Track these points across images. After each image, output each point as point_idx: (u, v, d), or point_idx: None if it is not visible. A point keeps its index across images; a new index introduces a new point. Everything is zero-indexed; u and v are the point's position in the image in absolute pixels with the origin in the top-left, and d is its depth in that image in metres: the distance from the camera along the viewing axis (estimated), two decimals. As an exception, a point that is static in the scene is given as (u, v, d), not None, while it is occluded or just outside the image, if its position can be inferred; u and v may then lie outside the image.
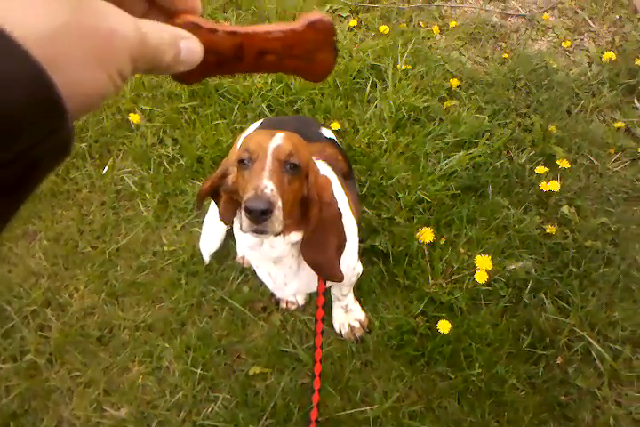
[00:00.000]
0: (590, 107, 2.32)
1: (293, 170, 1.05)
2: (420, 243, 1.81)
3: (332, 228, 1.15)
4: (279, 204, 0.98)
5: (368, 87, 2.45)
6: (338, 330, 1.69)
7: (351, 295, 1.67)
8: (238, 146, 1.83)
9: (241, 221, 1.01)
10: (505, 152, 2.09)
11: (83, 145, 2.33)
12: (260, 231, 1.00)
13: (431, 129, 2.24)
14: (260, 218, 0.96)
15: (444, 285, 1.71)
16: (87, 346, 1.75)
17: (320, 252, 1.15)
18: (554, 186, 1.88)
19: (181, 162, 2.26)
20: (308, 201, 1.13)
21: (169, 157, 2.30)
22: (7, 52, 0.29)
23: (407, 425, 1.46)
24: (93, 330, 1.79)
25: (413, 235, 1.85)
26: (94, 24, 0.34)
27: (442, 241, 1.84)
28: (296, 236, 1.16)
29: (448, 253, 1.80)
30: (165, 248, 2.00)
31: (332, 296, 1.67)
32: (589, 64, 2.63)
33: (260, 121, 1.82)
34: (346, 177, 1.48)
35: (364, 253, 1.86)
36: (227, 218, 1.21)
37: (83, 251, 2.02)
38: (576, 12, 2.99)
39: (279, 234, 1.04)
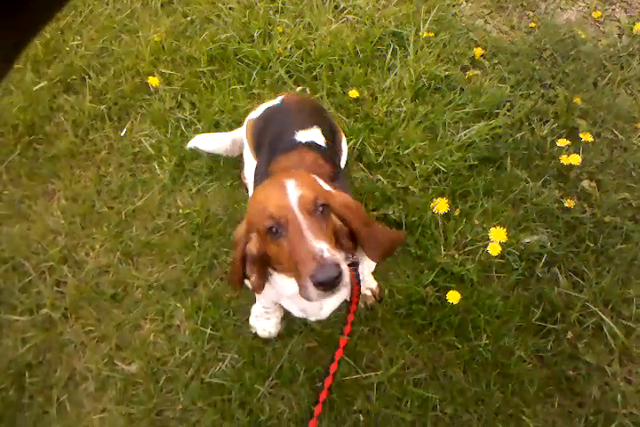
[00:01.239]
0: (618, 79, 2.17)
1: (324, 211, 0.97)
2: (434, 213, 1.74)
3: (370, 221, 1.09)
4: (341, 258, 0.90)
5: (389, 55, 2.32)
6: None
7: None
8: (244, 130, 1.70)
9: (307, 294, 0.92)
10: (526, 124, 1.98)
11: (102, 107, 2.27)
12: (335, 291, 0.91)
13: (451, 98, 2.12)
14: (334, 283, 0.88)
15: (457, 256, 1.64)
16: (101, 303, 1.73)
17: (380, 244, 1.08)
18: (575, 159, 1.78)
19: (198, 126, 2.19)
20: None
21: (186, 120, 2.23)
22: None
23: (411, 392, 1.42)
24: (108, 288, 1.77)
25: (428, 205, 1.77)
26: None
27: (457, 212, 1.76)
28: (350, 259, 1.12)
29: (462, 225, 1.72)
30: (180, 211, 1.96)
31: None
32: (619, 35, 2.46)
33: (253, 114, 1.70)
34: (333, 179, 1.33)
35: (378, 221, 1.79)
36: (261, 287, 1.12)
37: (99, 211, 1.98)
38: (609, -19, 2.78)
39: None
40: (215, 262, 1.80)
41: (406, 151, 1.98)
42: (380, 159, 1.98)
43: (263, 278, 1.10)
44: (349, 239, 1.07)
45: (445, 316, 1.52)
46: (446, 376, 1.43)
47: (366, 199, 1.85)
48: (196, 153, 2.10)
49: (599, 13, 2.56)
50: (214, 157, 2.06)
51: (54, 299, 1.75)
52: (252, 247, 1.04)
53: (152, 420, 1.53)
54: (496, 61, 2.27)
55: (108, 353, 1.64)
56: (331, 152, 1.46)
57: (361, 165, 1.99)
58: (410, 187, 1.86)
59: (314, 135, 1.45)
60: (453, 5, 2.62)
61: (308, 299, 0.92)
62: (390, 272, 1.67)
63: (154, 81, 2.33)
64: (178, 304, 1.71)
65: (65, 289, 1.77)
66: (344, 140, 1.73)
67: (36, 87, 2.35)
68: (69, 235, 1.92)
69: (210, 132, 2.14)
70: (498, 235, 1.61)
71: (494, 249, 1.58)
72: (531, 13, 2.60)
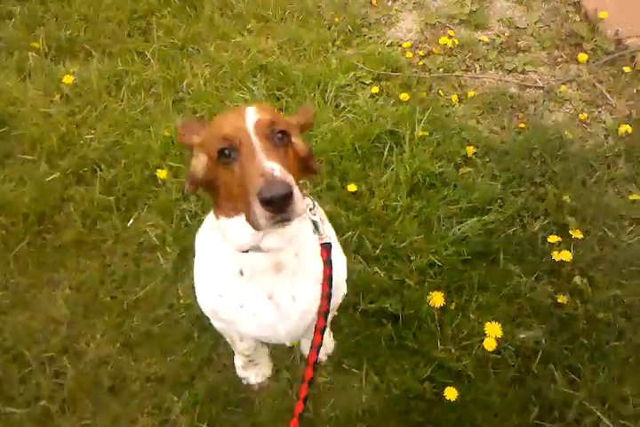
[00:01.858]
0: (605, 178, 2.42)
1: (282, 139, 0.98)
2: (430, 307, 1.88)
3: None
4: (293, 181, 0.87)
5: (386, 151, 2.60)
6: None
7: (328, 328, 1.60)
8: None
9: (255, 219, 0.88)
10: (518, 220, 2.19)
11: (111, 198, 2.50)
12: (285, 220, 0.88)
13: (445, 194, 2.35)
14: (283, 204, 0.85)
15: (453, 350, 1.76)
16: (99, 395, 1.82)
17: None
18: (566, 256, 1.95)
19: (202, 217, 2.40)
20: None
21: (191, 212, 2.45)
22: None
23: None
24: (106, 379, 1.86)
25: (424, 298, 1.92)
26: None
27: (452, 306, 1.90)
28: (305, 202, 1.06)
29: (458, 319, 1.86)
30: (181, 301, 2.11)
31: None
32: (605, 136, 2.76)
33: None
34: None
35: (374, 315, 1.93)
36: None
37: (102, 300, 2.13)
38: (594, 86, 3.15)
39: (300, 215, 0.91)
40: (214, 355, 1.91)
41: (402, 244, 2.17)
42: (377, 252, 2.16)
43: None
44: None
45: (443, 413, 1.61)
46: None
47: (363, 292, 2.01)
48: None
49: (585, 115, 2.89)
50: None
51: (53, 390, 1.84)
52: (198, 166, 1.04)
53: None
54: (487, 159, 2.54)
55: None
56: None
57: (359, 257, 2.17)
58: (406, 280, 2.02)
59: None
60: (447, 106, 2.96)
61: (258, 227, 0.89)
62: (387, 365, 1.78)
63: (162, 174, 2.58)
64: (175, 398, 1.80)
65: (64, 380, 1.87)
66: None
67: (49, 178, 2.61)
68: (71, 325, 2.05)
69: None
70: (493, 330, 1.74)
71: (490, 344, 1.70)
72: (520, 114, 2.94)
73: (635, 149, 2.58)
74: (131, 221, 2.44)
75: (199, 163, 1.04)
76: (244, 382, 1.58)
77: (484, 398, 1.62)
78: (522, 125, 2.80)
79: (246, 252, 1.09)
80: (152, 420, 1.76)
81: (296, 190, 0.87)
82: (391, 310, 1.91)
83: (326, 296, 1.16)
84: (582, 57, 3.20)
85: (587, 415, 1.58)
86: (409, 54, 3.28)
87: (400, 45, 3.38)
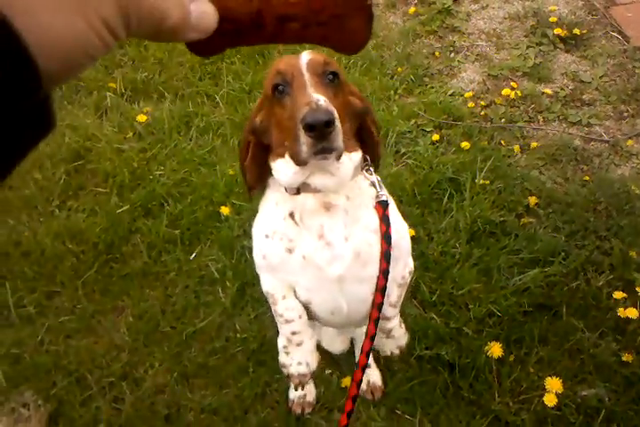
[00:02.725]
0: (674, 235, 2.41)
1: (334, 80, 1.05)
2: (487, 357, 1.91)
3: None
4: (336, 114, 0.95)
5: (445, 198, 2.69)
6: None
7: (398, 315, 1.50)
8: None
9: (298, 149, 0.97)
10: (582, 273, 2.20)
11: (176, 231, 2.68)
12: (326, 150, 0.96)
13: (506, 244, 2.40)
14: (325, 132, 0.93)
15: (511, 404, 1.77)
16: (155, 423, 1.92)
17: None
18: (632, 313, 1.95)
19: (261, 254, 2.54)
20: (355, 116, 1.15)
21: (250, 247, 2.58)
22: None
23: None
24: (162, 408, 1.96)
25: (481, 348, 1.95)
26: None
27: (511, 358, 1.92)
28: (357, 155, 1.15)
29: (517, 372, 1.87)
30: (238, 335, 2.21)
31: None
32: (675, 193, 2.76)
33: None
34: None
35: (430, 362, 1.97)
36: (254, 179, 1.22)
37: (162, 330, 2.26)
38: (662, 141, 3.17)
39: (342, 155, 1.01)
40: (267, 390, 1.99)
41: (460, 292, 2.22)
42: (434, 298, 2.21)
43: (258, 170, 1.18)
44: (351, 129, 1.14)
45: (499, 467, 1.61)
46: None
47: (419, 337, 2.05)
48: (257, 279, 2.41)
49: (653, 170, 2.90)
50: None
51: (111, 415, 1.96)
52: (258, 118, 1.14)
53: None
54: (550, 211, 2.58)
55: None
56: None
57: (415, 302, 2.23)
58: (463, 328, 2.06)
59: None
60: (509, 156, 3.04)
61: (300, 158, 0.97)
62: (442, 415, 1.80)
63: (225, 210, 2.75)
64: (227, 431, 1.88)
65: (122, 406, 1.98)
66: None
67: (120, 210, 2.83)
68: (132, 352, 2.18)
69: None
70: (554, 385, 1.75)
71: (550, 400, 1.70)
72: (585, 167, 2.98)
73: None
74: (193, 255, 2.60)
75: (260, 114, 1.15)
76: (284, 371, 1.41)
77: (543, 455, 1.62)
78: (586, 178, 2.84)
79: (298, 194, 1.15)
80: (204, 452, 1.83)
81: (338, 122, 0.94)
82: (447, 357, 1.94)
83: (384, 256, 1.17)
84: (650, 112, 3.24)
85: (654, 482, 1.54)
86: (471, 104, 3.40)
87: (462, 95, 3.51)
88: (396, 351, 1.54)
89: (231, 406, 1.95)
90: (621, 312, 1.97)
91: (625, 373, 1.82)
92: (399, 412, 1.84)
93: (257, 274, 1.43)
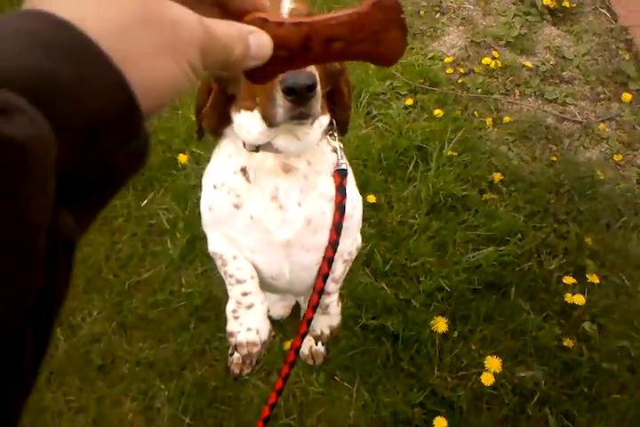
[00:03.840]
0: (632, 225, 2.41)
1: None
2: (432, 331, 1.88)
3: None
4: (318, 77, 0.85)
5: (411, 167, 2.60)
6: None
7: (337, 292, 1.38)
8: None
9: (273, 111, 0.88)
10: (535, 255, 2.18)
11: (130, 175, 2.52)
12: (304, 116, 0.89)
13: (465, 218, 2.35)
14: (306, 96, 0.84)
15: (449, 379, 1.76)
16: (87, 372, 1.84)
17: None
18: (579, 300, 1.95)
19: (218, 208, 2.42)
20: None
21: (206, 200, 2.46)
22: (84, 53, 0.31)
23: None
24: (97, 357, 1.88)
25: (427, 322, 1.92)
26: (160, 13, 0.35)
27: (454, 334, 1.90)
28: (325, 119, 1.08)
29: (459, 348, 1.86)
30: (183, 289, 2.12)
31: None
32: (638, 181, 2.75)
33: None
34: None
35: (374, 331, 1.94)
36: (211, 127, 1.11)
37: (105, 277, 2.15)
38: (634, 128, 3.14)
39: (317, 120, 0.95)
40: (207, 348, 1.92)
41: (413, 264, 2.17)
42: (387, 268, 2.16)
43: (217, 118, 1.07)
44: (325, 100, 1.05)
45: (429, 442, 1.61)
46: None
47: (367, 306, 2.01)
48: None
49: (621, 157, 2.88)
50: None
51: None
52: None
53: None
54: (513, 189, 2.53)
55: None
56: None
57: (367, 270, 2.18)
58: (412, 300, 2.03)
59: None
60: (480, 128, 2.95)
61: (274, 120, 0.90)
62: (379, 385, 1.78)
63: (183, 158, 2.60)
64: (162, 386, 1.82)
65: (55, 353, 1.89)
66: None
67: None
68: (71, 297, 2.06)
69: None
70: (493, 364, 1.75)
71: (487, 379, 1.70)
72: (554, 147, 2.93)
73: (666, 199, 2.56)
74: (145, 202, 2.46)
75: None
76: (232, 341, 1.24)
77: (474, 432, 1.63)
78: (554, 158, 2.79)
79: (256, 151, 1.07)
80: (136, 405, 1.78)
81: (319, 87, 0.85)
82: (392, 329, 1.91)
83: (336, 227, 1.11)
84: (626, 96, 3.19)
85: (574, 465, 1.58)
86: (449, 70, 3.28)
87: (442, 60, 3.37)
88: (327, 331, 1.44)
89: (168, 361, 1.89)
90: (569, 298, 1.97)
91: (564, 358, 1.83)
92: (338, 379, 1.81)
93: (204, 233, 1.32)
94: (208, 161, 2.62)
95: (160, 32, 0.35)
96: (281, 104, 0.86)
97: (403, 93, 3.13)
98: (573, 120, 3.16)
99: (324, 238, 1.15)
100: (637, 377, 1.80)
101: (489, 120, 2.99)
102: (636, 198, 2.58)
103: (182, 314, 2.03)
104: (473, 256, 2.15)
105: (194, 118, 2.74)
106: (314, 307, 1.18)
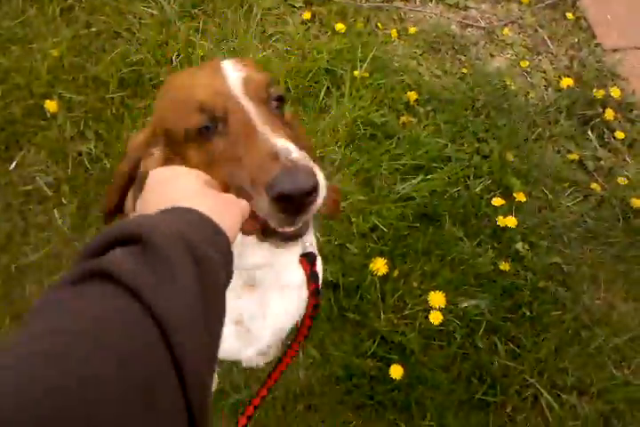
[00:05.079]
0: (547, 135, 2.47)
1: (280, 108, 0.77)
2: (372, 275, 1.85)
3: None
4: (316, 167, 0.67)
5: (322, 94, 2.44)
6: None
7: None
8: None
9: (254, 225, 0.70)
10: (462, 179, 2.18)
11: (-15, 133, 2.15)
12: (299, 235, 0.71)
13: (388, 148, 2.28)
14: (304, 202, 0.64)
15: (396, 321, 1.76)
16: None
17: None
18: (511, 222, 1.99)
19: (105, 162, 2.15)
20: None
21: (91, 155, 2.18)
22: (215, 228, 0.57)
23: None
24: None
25: (366, 265, 1.88)
26: (232, 202, 0.67)
27: (395, 273, 1.89)
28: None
29: (401, 288, 1.86)
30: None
31: None
32: (546, 88, 2.79)
33: None
34: None
35: (313, 283, 1.88)
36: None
37: (-18, 264, 1.87)
38: (536, 30, 3.15)
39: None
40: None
41: (342, 204, 2.09)
42: (314, 211, 2.07)
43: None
44: None
45: (387, 391, 1.62)
46: None
47: (300, 256, 1.93)
48: (102, 196, 2.05)
49: (527, 63, 2.89)
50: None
51: None
52: (152, 166, 0.77)
53: None
54: (430, 108, 2.47)
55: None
56: None
57: (292, 216, 2.07)
58: (347, 245, 1.97)
59: None
60: (386, 42, 2.81)
61: (261, 236, 0.72)
62: (326, 338, 1.75)
63: (51, 105, 2.24)
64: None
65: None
66: None
67: None
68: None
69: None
70: (437, 299, 1.76)
71: (436, 318, 1.72)
72: (463, 58, 2.87)
73: (575, 105, 2.63)
74: (13, 164, 2.13)
75: (152, 163, 0.78)
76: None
77: (429, 374, 1.65)
78: (464, 70, 2.75)
79: None
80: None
81: (322, 179, 0.66)
82: (331, 277, 1.85)
83: (313, 293, 0.95)
84: (525, -3, 3.16)
85: (527, 388, 1.67)
86: (346, -24, 3.03)
87: (335, -34, 3.10)
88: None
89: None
90: (500, 220, 2.00)
91: (502, 283, 1.89)
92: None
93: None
94: (82, 105, 2.29)
95: (235, 208, 0.66)
96: (270, 214, 0.66)
97: (297, 6, 2.87)
98: (477, 26, 3.10)
99: (288, 325, 1.09)
100: (572, 292, 1.91)
101: (394, 32, 2.86)
102: (548, 107, 2.63)
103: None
104: (403, 188, 2.10)
105: (55, 54, 2.35)
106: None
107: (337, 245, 1.97)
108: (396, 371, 1.61)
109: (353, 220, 2.05)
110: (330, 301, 1.82)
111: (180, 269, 0.44)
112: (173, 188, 0.62)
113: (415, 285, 1.87)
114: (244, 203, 0.66)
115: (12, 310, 1.77)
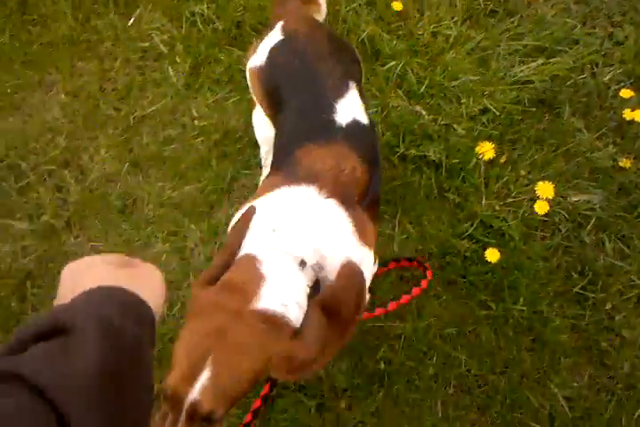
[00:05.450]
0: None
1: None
2: (478, 158, 1.44)
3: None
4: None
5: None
6: None
7: None
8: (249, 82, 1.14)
9: None
10: (589, 66, 1.62)
11: (107, -13, 1.76)
12: None
13: (509, 26, 1.71)
14: None
15: (498, 207, 1.39)
16: (108, 215, 1.46)
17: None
18: (638, 116, 1.46)
19: (217, 24, 1.74)
20: None
21: (203, 16, 1.76)
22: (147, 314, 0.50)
23: (437, 347, 1.24)
24: (115, 199, 1.47)
25: (472, 148, 1.47)
26: (152, 275, 0.56)
27: (502, 159, 1.47)
28: None
29: (507, 175, 1.45)
30: (196, 122, 1.60)
31: None
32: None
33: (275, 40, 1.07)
34: (364, 196, 0.93)
35: (414, 161, 1.49)
36: None
37: (105, 112, 1.61)
38: None
39: None
40: (234, 186, 1.49)
41: (453, 83, 1.62)
42: (423, 89, 1.62)
43: None
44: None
45: (481, 272, 1.30)
46: (475, 335, 1.26)
47: (404, 133, 1.52)
48: (213, 56, 1.67)
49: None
50: (235, 63, 1.64)
51: (56, 206, 1.46)
52: None
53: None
54: (561, -14, 1.81)
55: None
56: (370, 130, 1.01)
57: (400, 92, 1.63)
58: (454, 125, 1.54)
59: (352, 104, 0.99)
60: None
61: None
62: (423, 216, 1.41)
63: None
64: (193, 226, 1.44)
65: (67, 196, 1.46)
66: None
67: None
68: (70, 136, 1.56)
69: (230, 32, 1.69)
70: (545, 190, 1.36)
71: (541, 207, 1.33)
72: None
73: None
74: (132, 20, 1.77)
75: None
76: None
77: (527, 262, 1.31)
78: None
79: None
80: (168, 246, 1.42)
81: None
82: (434, 157, 1.46)
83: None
84: None
85: (631, 289, 1.31)
86: None
87: None
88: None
89: (195, 201, 1.48)
90: (627, 114, 1.49)
91: (620, 179, 1.43)
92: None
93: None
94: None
95: (152, 278, 0.56)
96: None
97: None
98: None
99: None
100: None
101: None
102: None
103: (200, 150, 1.55)
104: (521, 70, 1.59)
105: None
106: None
107: (443, 124, 1.54)
108: (493, 254, 1.28)
109: (463, 101, 1.59)
110: (430, 180, 1.45)
111: (89, 350, 0.40)
112: (89, 276, 0.51)
113: (523, 173, 1.45)
114: (158, 273, 0.57)
115: (131, 157, 1.54)
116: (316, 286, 0.81)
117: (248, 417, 1.14)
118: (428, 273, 1.10)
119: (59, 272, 1.38)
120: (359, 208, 0.91)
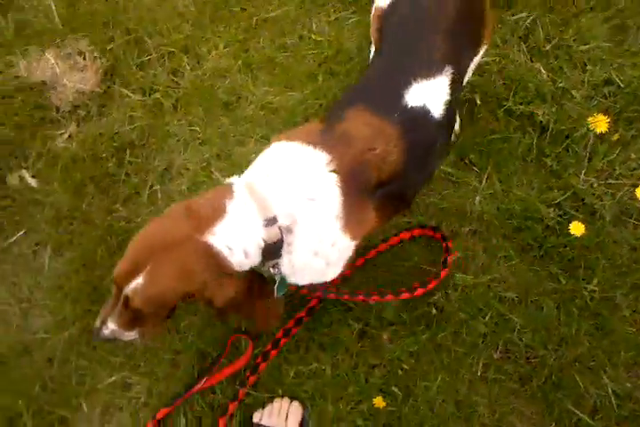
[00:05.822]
0: None
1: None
2: (588, 129, 1.10)
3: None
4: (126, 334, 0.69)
5: None
6: None
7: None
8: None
9: None
10: None
11: None
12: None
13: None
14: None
15: (595, 185, 1.07)
16: (212, 106, 1.23)
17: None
18: None
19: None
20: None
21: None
22: None
23: (494, 307, 1.01)
24: (222, 93, 1.23)
25: (585, 118, 1.11)
26: None
27: (615, 137, 1.12)
28: None
29: (615, 154, 1.10)
30: (313, 36, 1.30)
31: None
32: None
33: None
34: (383, 184, 0.71)
35: (519, 118, 1.16)
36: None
37: (232, 9, 1.32)
38: None
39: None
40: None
41: (582, 48, 1.23)
42: (549, 47, 1.23)
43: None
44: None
45: (559, 245, 1.02)
46: (537, 306, 1.01)
47: (516, 88, 1.18)
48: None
49: None
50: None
51: (168, 86, 1.23)
52: None
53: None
54: None
55: (207, 158, 1.20)
56: (439, 130, 0.76)
57: (524, 46, 1.25)
58: (572, 91, 1.17)
59: (433, 90, 0.73)
60: None
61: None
62: (514, 176, 1.11)
63: None
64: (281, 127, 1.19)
65: (181, 80, 1.23)
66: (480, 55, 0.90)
67: None
68: (196, 25, 1.30)
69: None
70: (653, 179, 1.02)
71: (645, 194, 1.00)
72: None
73: None
74: None
75: None
76: None
77: (612, 246, 1.02)
78: None
79: None
80: (260, 146, 1.19)
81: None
82: (542, 119, 1.13)
83: None
84: None
85: None
86: None
87: None
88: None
89: (293, 110, 1.23)
90: None
91: None
92: (468, 162, 1.14)
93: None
94: None
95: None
96: None
97: None
98: None
99: None
100: None
101: None
102: None
103: (311, 63, 1.27)
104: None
105: None
106: None
107: (561, 87, 1.18)
108: (578, 228, 0.99)
109: (588, 67, 1.20)
110: (532, 141, 1.13)
111: None
112: None
113: (633, 156, 1.11)
114: None
115: (245, 57, 1.27)
116: (278, 246, 0.67)
117: (290, 323, 0.99)
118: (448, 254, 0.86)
119: (156, 149, 1.20)
120: (368, 194, 0.70)
